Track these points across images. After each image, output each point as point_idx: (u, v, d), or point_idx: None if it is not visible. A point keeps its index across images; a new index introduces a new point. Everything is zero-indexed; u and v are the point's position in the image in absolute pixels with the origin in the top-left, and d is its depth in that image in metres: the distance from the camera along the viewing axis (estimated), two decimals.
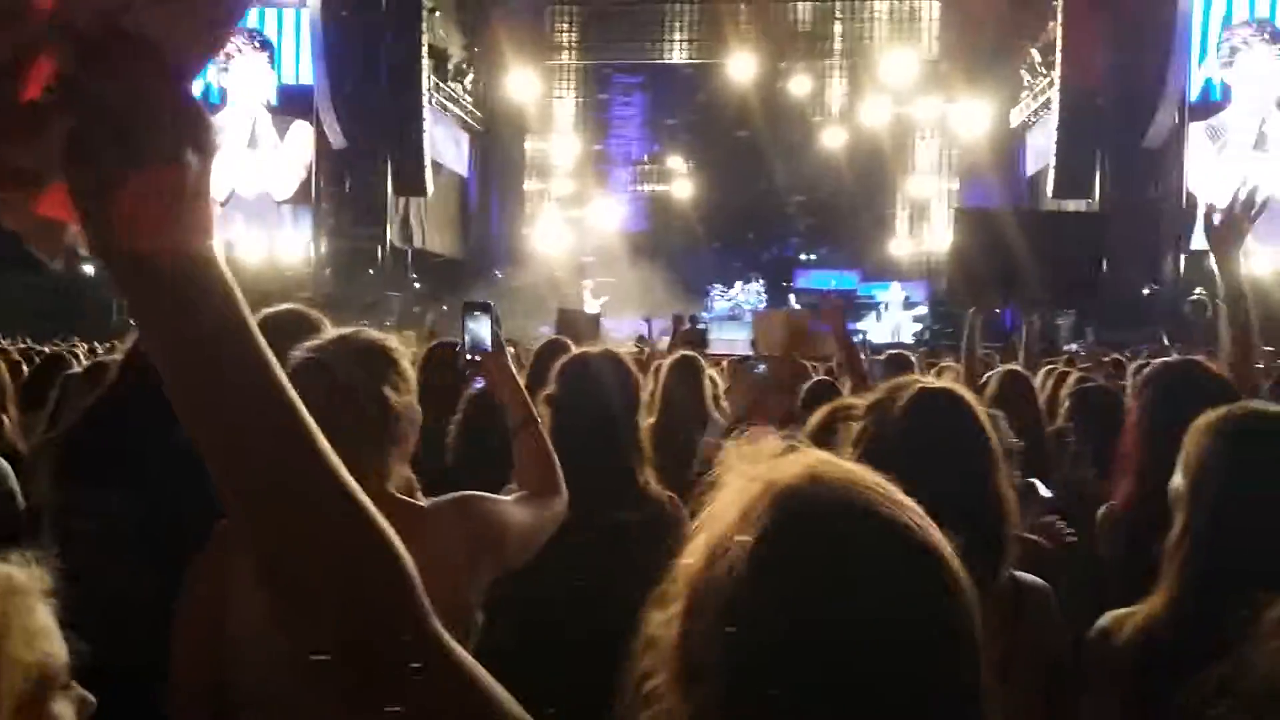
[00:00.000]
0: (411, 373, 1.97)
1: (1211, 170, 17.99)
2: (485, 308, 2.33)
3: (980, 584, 0.88)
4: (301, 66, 20.73)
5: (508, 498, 2.12)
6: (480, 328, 2.29)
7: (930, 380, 1.99)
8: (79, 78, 0.68)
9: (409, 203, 22.61)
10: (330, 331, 1.98)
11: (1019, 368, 5.24)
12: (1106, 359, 7.35)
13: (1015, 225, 13.97)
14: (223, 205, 20.39)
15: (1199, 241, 17.59)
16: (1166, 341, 15.49)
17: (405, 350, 2.01)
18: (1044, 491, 4.09)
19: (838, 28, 26.06)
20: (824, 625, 0.80)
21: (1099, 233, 15.52)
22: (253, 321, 0.74)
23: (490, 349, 2.30)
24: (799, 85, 25.02)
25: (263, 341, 0.74)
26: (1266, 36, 18.13)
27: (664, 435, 3.90)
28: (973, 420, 1.83)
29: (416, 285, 21.90)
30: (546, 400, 2.69)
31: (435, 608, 0.76)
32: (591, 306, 22.34)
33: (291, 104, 20.70)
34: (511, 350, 3.13)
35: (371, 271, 20.90)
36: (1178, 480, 1.84)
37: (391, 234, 21.81)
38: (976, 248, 13.65)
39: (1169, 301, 17.37)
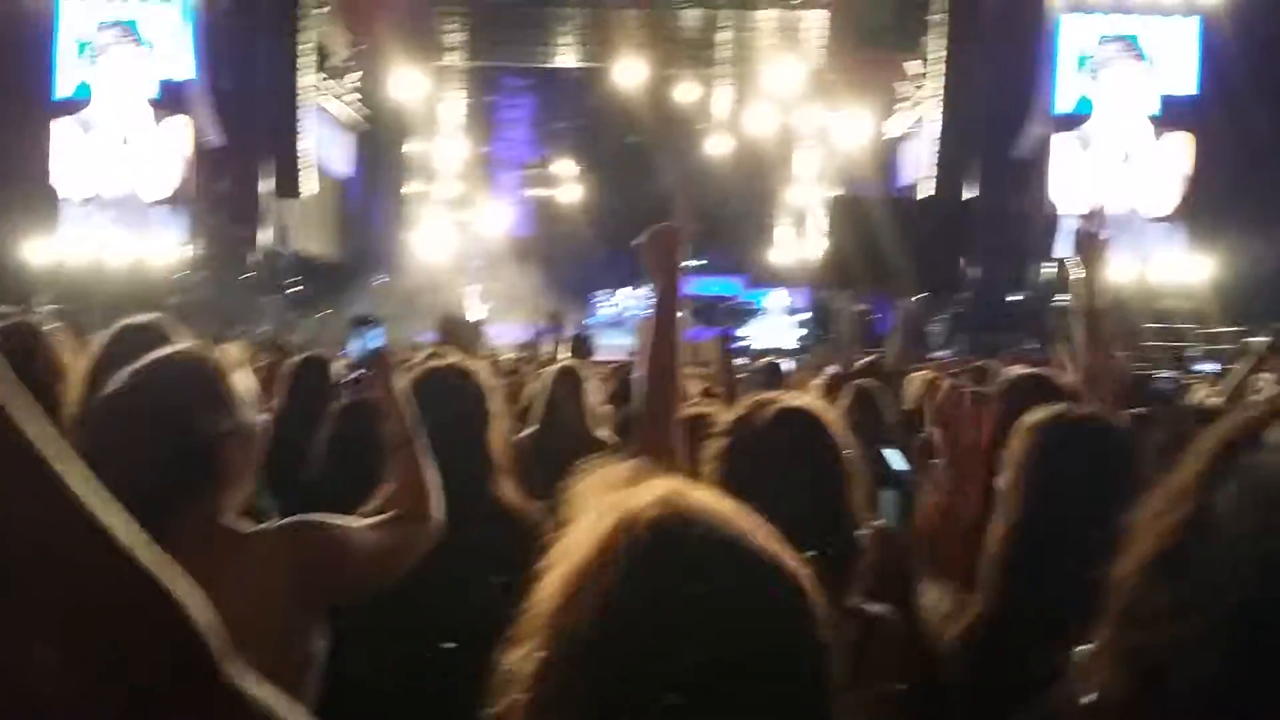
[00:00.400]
0: (243, 388, 1.87)
1: (1079, 179, 18.86)
2: (374, 322, 2.32)
3: (832, 604, 0.89)
4: (181, 62, 20.04)
5: (362, 521, 2.06)
6: (368, 342, 2.27)
7: (792, 398, 2.02)
8: None
9: (286, 204, 22.04)
10: (156, 351, 1.87)
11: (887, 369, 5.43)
12: (969, 366, 7.57)
13: (886, 214, 14.44)
14: (87, 203, 19.56)
15: (1063, 250, 18.44)
16: (1036, 346, 16.18)
17: (237, 362, 1.92)
18: (899, 464, 4.22)
19: (723, 35, 26.39)
20: (682, 659, 0.80)
21: (961, 227, 16.14)
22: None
23: (378, 364, 2.27)
24: (686, 92, 25.28)
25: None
26: (1130, 53, 19.08)
27: (544, 446, 3.91)
28: (829, 441, 1.87)
29: (294, 289, 21.36)
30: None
31: (255, 636, 0.73)
32: (477, 313, 22.17)
33: (171, 101, 19.98)
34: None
35: (247, 275, 20.28)
36: (1000, 480, 1.94)
37: (269, 236, 21.21)
38: (850, 235, 14.06)
39: (1034, 307, 18.10)
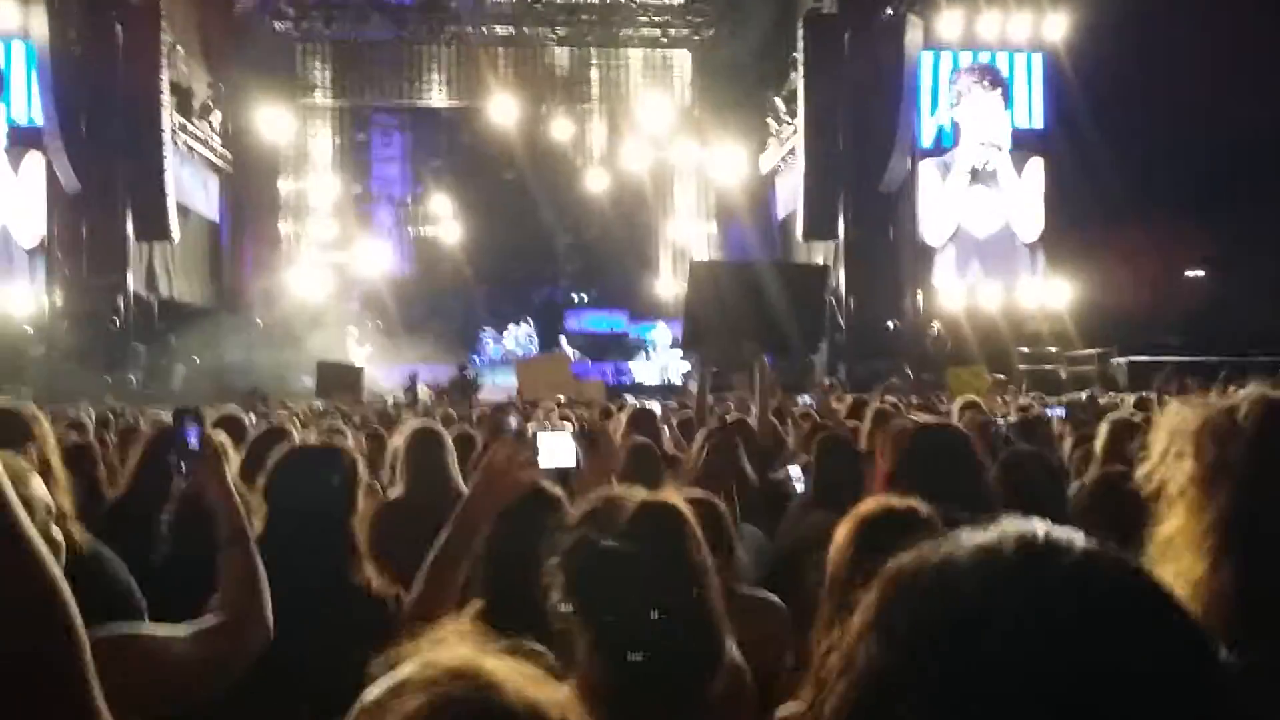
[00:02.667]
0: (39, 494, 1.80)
1: (940, 203, 19.72)
2: (194, 414, 2.25)
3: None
4: (35, 104, 19.16)
5: (184, 630, 1.95)
6: (189, 435, 2.18)
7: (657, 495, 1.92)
8: None
9: (153, 248, 21.24)
10: None
11: (749, 418, 5.61)
12: (841, 403, 7.78)
13: (743, 277, 14.75)
14: None
15: (938, 279, 19.25)
16: (910, 373, 16.81)
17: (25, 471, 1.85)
18: (797, 480, 4.39)
19: (594, 74, 26.71)
20: None
21: (821, 284, 16.65)
22: None
23: (201, 462, 2.17)
24: (560, 129, 25.45)
25: None
26: (986, 83, 20.09)
27: (409, 510, 3.72)
28: (689, 546, 1.73)
29: (166, 337, 20.57)
30: (262, 492, 2.63)
31: None
32: (356, 356, 21.74)
33: (25, 144, 19.07)
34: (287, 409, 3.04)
35: (114, 324, 19.42)
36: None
37: (135, 282, 20.38)
38: (704, 300, 14.34)
39: (909, 335, 18.80)
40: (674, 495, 1.80)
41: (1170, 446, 1.37)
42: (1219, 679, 0.64)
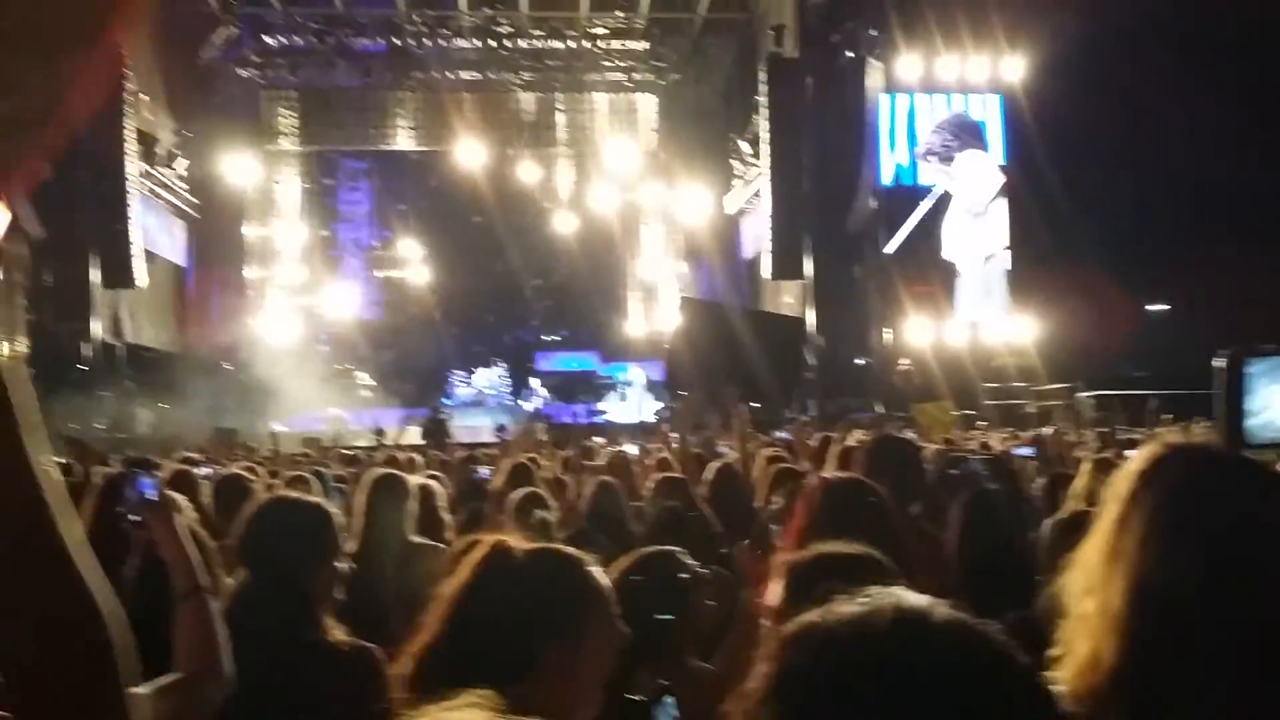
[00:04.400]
0: None
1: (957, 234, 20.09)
2: (146, 464, 2.25)
3: None
4: None
5: (144, 687, 1.96)
6: (142, 487, 2.18)
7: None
8: None
9: (119, 295, 21.08)
10: None
11: (733, 462, 5.67)
12: (814, 441, 7.85)
13: (730, 321, 14.92)
14: None
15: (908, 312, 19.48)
16: (880, 409, 16.94)
17: None
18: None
19: (561, 118, 26.95)
20: None
21: (796, 337, 16.85)
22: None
23: (155, 513, 2.17)
24: (527, 172, 25.62)
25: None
26: (963, 140, 20.45)
27: (365, 562, 3.69)
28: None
29: (130, 383, 20.35)
30: (234, 550, 2.64)
31: None
32: (363, 397, 22.18)
33: None
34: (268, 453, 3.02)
35: (78, 370, 19.22)
36: None
37: (100, 329, 20.20)
38: (697, 337, 14.48)
39: (878, 371, 18.96)
40: None
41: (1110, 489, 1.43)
42: None
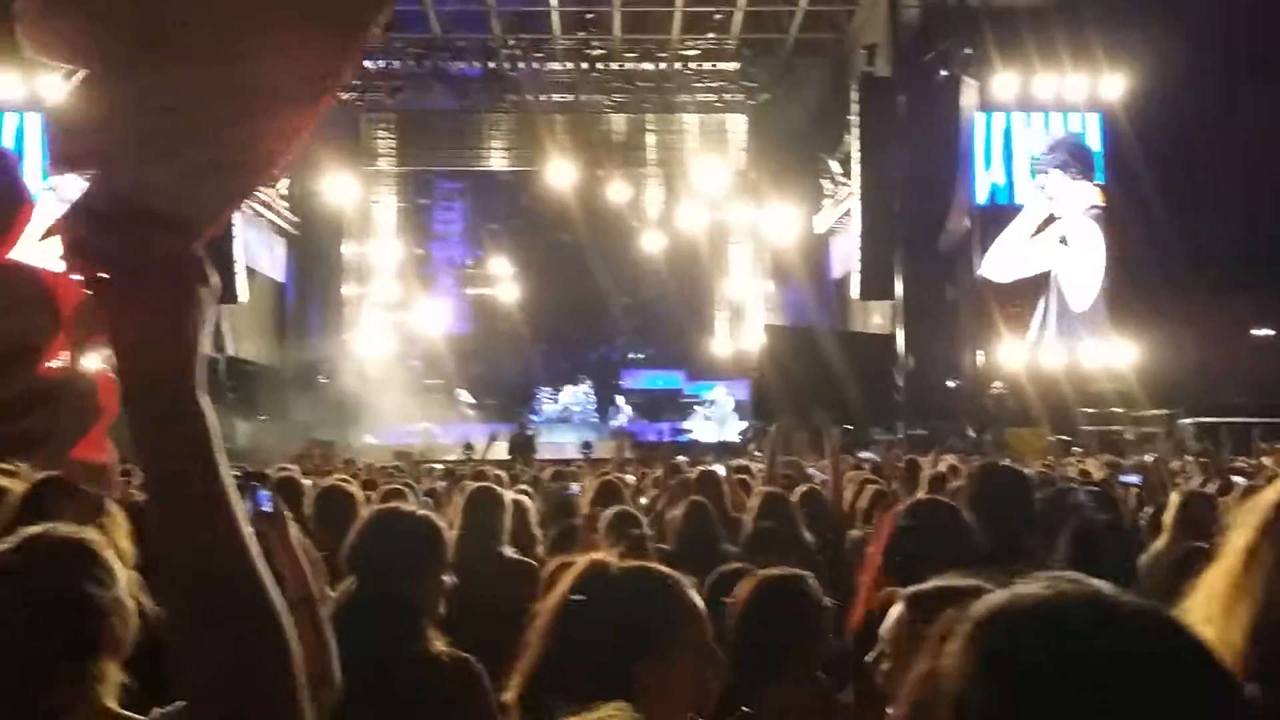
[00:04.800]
0: (115, 565, 1.85)
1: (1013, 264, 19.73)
2: (261, 477, 2.32)
3: None
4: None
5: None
6: (258, 504, 2.26)
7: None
8: (96, 243, 0.91)
9: (220, 310, 21.78)
10: (18, 533, 1.85)
11: (817, 486, 5.63)
12: (901, 463, 7.73)
13: (818, 343, 14.79)
14: None
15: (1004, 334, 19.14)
16: (971, 433, 16.65)
17: (106, 542, 1.92)
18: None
19: (651, 139, 27.16)
20: None
21: (889, 356, 16.63)
22: (221, 460, 0.95)
23: (270, 525, 2.23)
24: (617, 192, 25.83)
25: (228, 481, 0.95)
26: (1073, 171, 20.09)
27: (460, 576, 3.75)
28: None
29: (230, 395, 21.02)
30: (345, 558, 2.71)
31: None
32: (467, 414, 22.63)
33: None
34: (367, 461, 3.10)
35: None
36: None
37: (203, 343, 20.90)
38: (780, 367, 14.39)
39: (969, 394, 18.62)
40: None
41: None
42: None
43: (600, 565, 1.83)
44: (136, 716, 1.75)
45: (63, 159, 0.94)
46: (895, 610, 1.93)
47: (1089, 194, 20.10)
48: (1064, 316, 19.57)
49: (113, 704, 1.74)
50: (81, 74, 0.94)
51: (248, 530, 0.95)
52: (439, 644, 2.64)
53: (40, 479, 2.80)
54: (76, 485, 2.57)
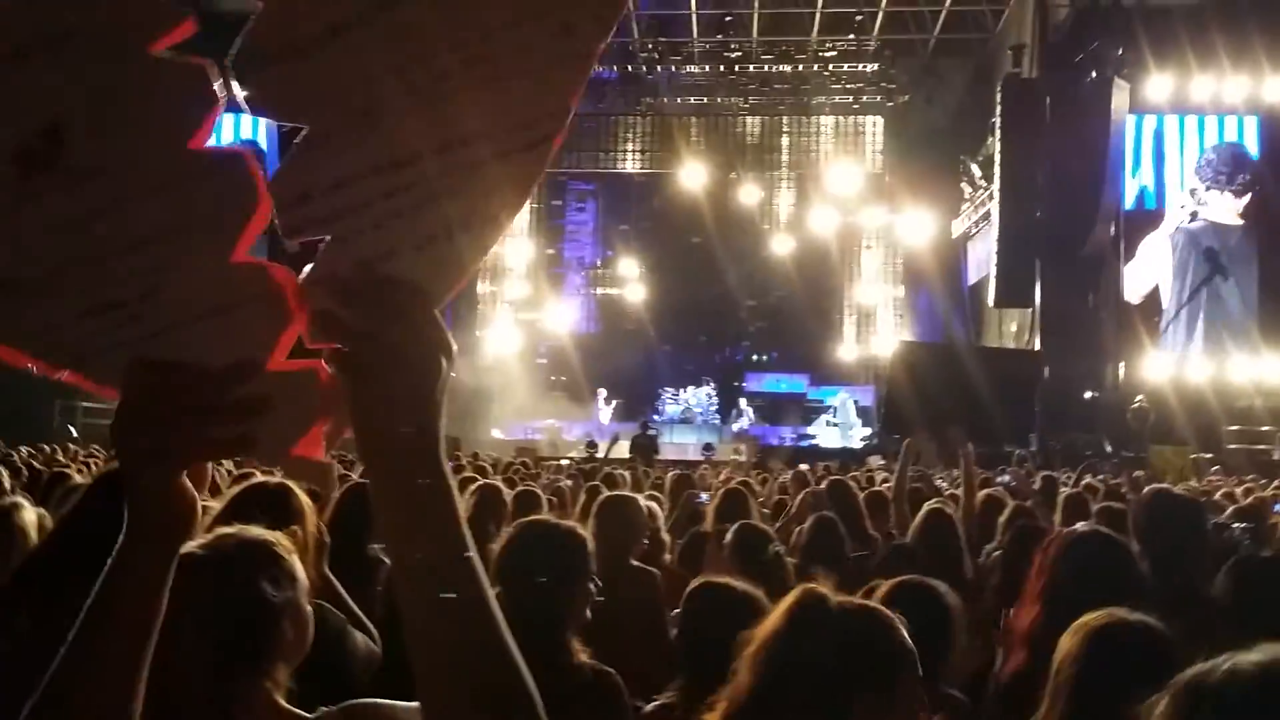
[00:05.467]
0: (297, 569, 1.89)
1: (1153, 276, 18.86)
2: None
3: None
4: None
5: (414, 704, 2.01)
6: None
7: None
8: (341, 315, 0.85)
9: None
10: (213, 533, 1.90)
11: (945, 503, 5.41)
12: (1036, 484, 7.38)
13: (948, 361, 14.33)
14: None
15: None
16: (1109, 448, 15.93)
17: (292, 547, 1.95)
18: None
19: (784, 141, 26.96)
20: None
21: (1033, 373, 15.99)
22: (472, 549, 0.88)
23: None
24: (748, 194, 25.73)
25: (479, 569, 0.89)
26: (1231, 186, 19.12)
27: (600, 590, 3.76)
28: None
29: None
30: (495, 567, 2.72)
31: None
32: (603, 415, 23.06)
33: None
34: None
35: None
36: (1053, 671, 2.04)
37: None
38: (913, 381, 14.01)
39: (1109, 407, 17.81)
40: None
41: None
42: None
43: (816, 596, 1.85)
44: (305, 714, 1.77)
45: (293, 227, 0.88)
46: (1067, 641, 2.02)
47: (1242, 204, 19.04)
48: (1211, 329, 18.55)
49: (281, 701, 1.77)
50: (305, 134, 0.90)
51: (499, 615, 0.90)
52: (583, 655, 2.68)
53: (243, 489, 2.91)
54: (296, 483, 2.68)
